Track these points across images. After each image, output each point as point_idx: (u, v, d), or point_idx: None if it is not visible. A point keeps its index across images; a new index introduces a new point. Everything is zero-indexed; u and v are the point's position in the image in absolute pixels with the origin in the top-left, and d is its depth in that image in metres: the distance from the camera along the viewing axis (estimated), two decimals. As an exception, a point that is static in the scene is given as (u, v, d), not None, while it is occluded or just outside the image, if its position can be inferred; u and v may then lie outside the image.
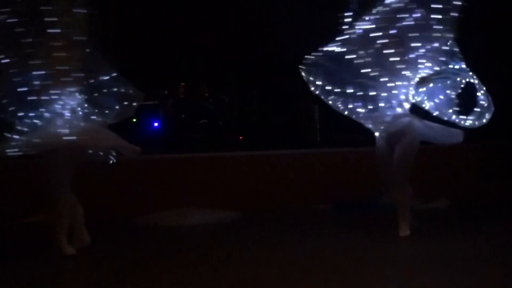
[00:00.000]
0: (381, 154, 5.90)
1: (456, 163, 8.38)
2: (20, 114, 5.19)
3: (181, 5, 9.90)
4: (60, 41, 5.12)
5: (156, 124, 9.85)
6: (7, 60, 5.06)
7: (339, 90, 5.86)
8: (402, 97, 5.85)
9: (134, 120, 9.52)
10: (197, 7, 9.91)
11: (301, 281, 4.31)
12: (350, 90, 5.84)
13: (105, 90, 5.40)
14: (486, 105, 5.84)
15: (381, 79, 5.76)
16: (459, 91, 5.95)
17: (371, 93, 5.82)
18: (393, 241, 5.75)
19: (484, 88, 5.87)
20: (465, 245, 5.54)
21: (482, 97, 5.86)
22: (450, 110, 5.91)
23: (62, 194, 5.28)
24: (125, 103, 5.45)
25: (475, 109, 5.88)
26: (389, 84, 5.78)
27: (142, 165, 7.74)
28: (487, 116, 5.85)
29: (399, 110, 5.84)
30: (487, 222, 6.69)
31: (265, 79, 10.90)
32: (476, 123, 5.89)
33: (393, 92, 5.82)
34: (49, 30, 5.08)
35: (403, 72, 5.74)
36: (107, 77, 5.40)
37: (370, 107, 5.86)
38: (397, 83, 5.77)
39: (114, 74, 5.44)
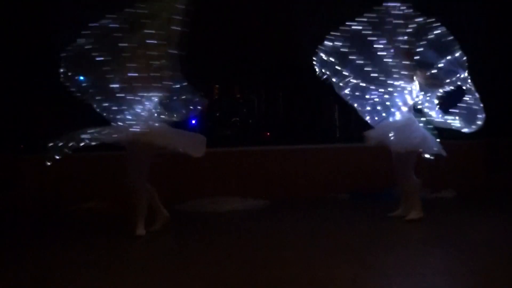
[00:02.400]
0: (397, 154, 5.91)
1: (462, 157, 8.29)
2: (105, 105, 5.36)
3: (213, 15, 9.95)
4: (155, 51, 5.24)
5: (193, 122, 9.89)
6: (103, 58, 5.19)
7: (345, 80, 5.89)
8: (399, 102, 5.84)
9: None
10: (228, 18, 9.95)
11: (323, 262, 4.32)
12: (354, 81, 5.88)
13: (175, 98, 5.55)
14: (477, 108, 5.75)
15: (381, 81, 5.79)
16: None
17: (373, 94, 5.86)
18: (405, 227, 5.73)
19: (477, 95, 5.79)
20: (471, 231, 5.49)
21: (473, 102, 5.78)
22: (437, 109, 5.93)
23: (140, 184, 5.47)
24: (191, 107, 5.63)
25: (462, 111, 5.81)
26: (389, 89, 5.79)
27: (181, 158, 7.80)
28: (479, 122, 5.75)
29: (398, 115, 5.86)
30: (491, 211, 6.62)
31: (290, 81, 10.88)
32: (466, 129, 5.81)
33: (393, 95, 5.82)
34: (147, 41, 5.20)
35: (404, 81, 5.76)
36: (178, 85, 5.51)
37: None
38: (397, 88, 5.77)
39: (184, 84, 5.57)
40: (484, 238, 5.14)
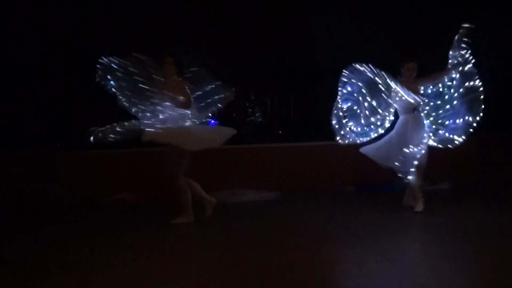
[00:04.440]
0: None
1: (457, 152, 8.23)
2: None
3: (232, 25, 10.01)
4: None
5: (212, 121, 9.94)
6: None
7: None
8: None
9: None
10: (244, 28, 10.00)
11: (330, 248, 4.33)
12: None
13: (209, 100, 5.67)
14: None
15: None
16: None
17: None
18: (406, 216, 5.72)
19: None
20: (465, 219, 5.47)
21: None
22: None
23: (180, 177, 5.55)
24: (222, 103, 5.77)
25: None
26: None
27: (201, 153, 7.85)
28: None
29: None
30: (483, 201, 6.57)
31: (299, 85, 10.89)
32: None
33: None
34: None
35: None
36: (211, 87, 5.64)
37: None
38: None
39: (218, 83, 5.68)
40: (477, 225, 5.12)
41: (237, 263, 3.91)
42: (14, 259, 4.38)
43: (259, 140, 9.29)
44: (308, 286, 3.29)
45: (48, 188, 8.20)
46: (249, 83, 10.67)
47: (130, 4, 9.73)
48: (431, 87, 6.11)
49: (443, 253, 4.04)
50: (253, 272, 3.63)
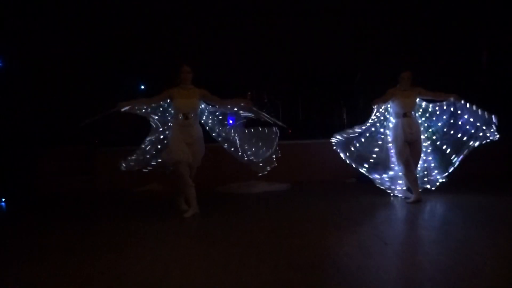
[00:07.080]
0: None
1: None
2: None
3: (247, 38, 10.02)
4: None
5: (231, 122, 9.95)
6: None
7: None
8: None
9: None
10: (257, 40, 10.02)
11: (335, 233, 4.34)
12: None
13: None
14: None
15: None
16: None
17: None
18: (402, 205, 5.69)
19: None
20: (458, 210, 5.44)
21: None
22: None
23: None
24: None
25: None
26: None
27: (219, 151, 7.88)
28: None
29: None
30: (475, 193, 6.52)
31: (307, 89, 10.87)
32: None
33: None
34: None
35: None
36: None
37: None
38: None
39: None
40: (468, 214, 5.09)
41: (252, 246, 3.94)
42: (58, 242, 4.45)
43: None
44: (315, 266, 3.31)
45: (88, 180, 8.30)
46: (262, 87, 10.68)
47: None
48: (444, 117, 5.93)
49: (436, 238, 4.03)
50: (266, 254, 3.66)
